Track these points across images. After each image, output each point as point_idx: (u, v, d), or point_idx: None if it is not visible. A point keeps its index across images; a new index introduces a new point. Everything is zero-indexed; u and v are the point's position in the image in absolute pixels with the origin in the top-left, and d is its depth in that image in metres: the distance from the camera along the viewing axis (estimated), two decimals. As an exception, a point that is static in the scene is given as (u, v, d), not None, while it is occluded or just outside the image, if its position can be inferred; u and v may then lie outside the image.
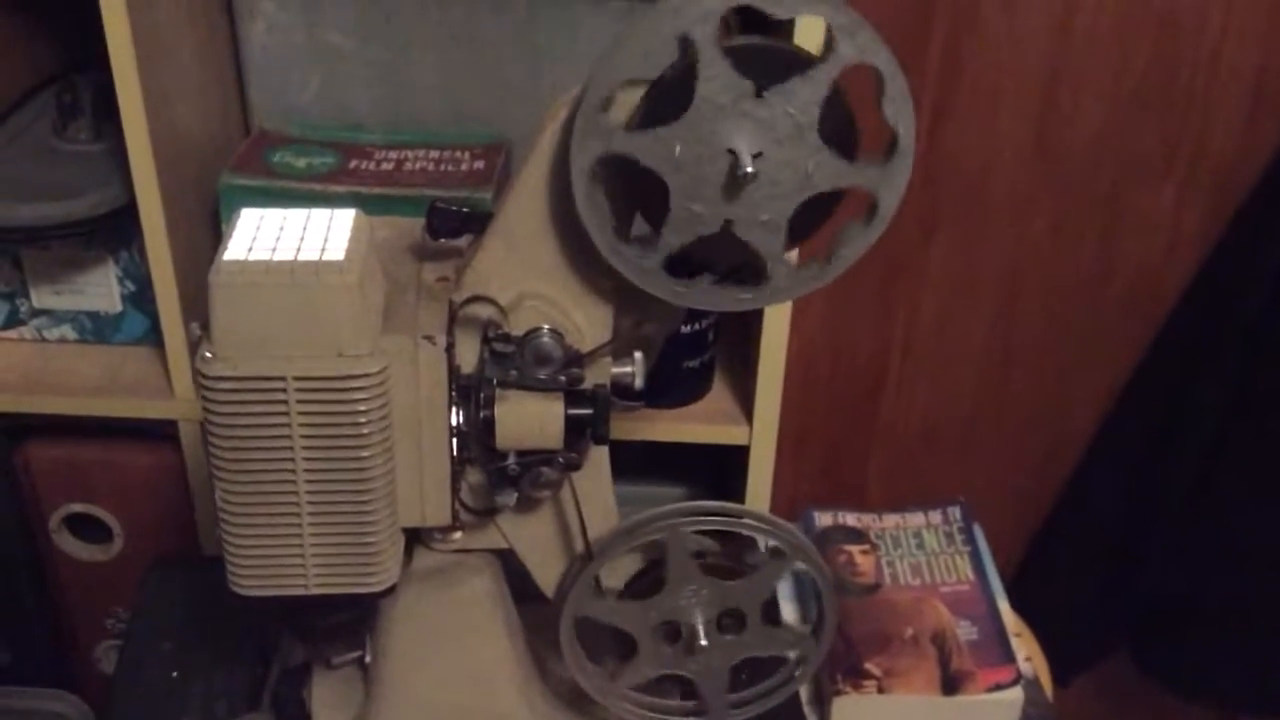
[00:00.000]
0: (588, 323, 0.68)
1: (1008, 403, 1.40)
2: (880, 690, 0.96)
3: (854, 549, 1.11)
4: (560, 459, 0.68)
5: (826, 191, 0.61)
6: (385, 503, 0.66)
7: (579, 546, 0.73)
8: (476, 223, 0.66)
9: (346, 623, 0.72)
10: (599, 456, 0.72)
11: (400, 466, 0.66)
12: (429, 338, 0.63)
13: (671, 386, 1.08)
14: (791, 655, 0.77)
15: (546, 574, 0.76)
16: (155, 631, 0.95)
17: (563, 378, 0.67)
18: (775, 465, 1.42)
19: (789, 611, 1.01)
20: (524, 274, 0.66)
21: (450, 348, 0.64)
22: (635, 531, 0.72)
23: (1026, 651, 1.04)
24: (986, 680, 0.97)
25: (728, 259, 0.63)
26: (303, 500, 0.64)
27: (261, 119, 1.12)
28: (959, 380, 1.39)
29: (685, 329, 1.04)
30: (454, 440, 0.67)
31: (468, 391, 0.67)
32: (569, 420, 0.67)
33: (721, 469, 1.18)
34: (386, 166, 1.06)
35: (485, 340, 0.66)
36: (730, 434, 1.07)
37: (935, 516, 1.15)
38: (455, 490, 0.69)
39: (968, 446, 1.43)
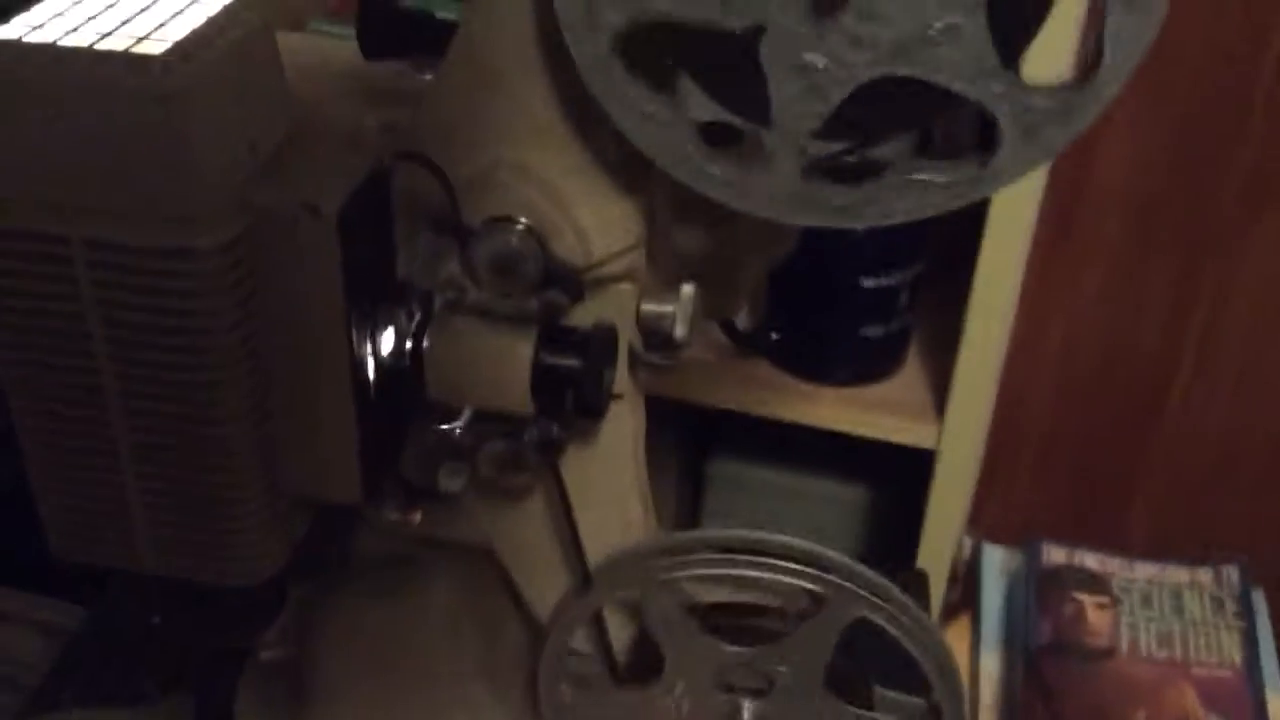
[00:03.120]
0: (597, 223, 0.42)
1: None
2: (1088, 787, 0.80)
3: (1088, 599, 0.93)
4: (536, 432, 0.43)
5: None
6: (251, 456, 0.42)
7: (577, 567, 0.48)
8: (431, 34, 0.41)
9: (231, 613, 0.50)
10: (613, 434, 0.47)
11: (284, 409, 0.43)
12: (310, 206, 0.39)
13: (843, 358, 0.81)
14: None
15: (537, 590, 0.52)
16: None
17: (537, 303, 0.41)
18: (1009, 483, 1.18)
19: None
20: (501, 129, 0.41)
21: (348, 226, 0.39)
22: (654, 558, 0.47)
23: (1305, 766, 0.86)
24: (1234, 801, 0.79)
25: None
26: (122, 439, 0.42)
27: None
28: (1271, 398, 1.10)
29: (868, 283, 0.76)
30: (370, 377, 0.43)
31: (402, 307, 0.43)
32: (540, 372, 0.41)
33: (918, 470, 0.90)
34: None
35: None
36: (913, 432, 0.78)
37: (1204, 575, 0.96)
38: (374, 454, 0.45)
39: (1271, 486, 1.14)
